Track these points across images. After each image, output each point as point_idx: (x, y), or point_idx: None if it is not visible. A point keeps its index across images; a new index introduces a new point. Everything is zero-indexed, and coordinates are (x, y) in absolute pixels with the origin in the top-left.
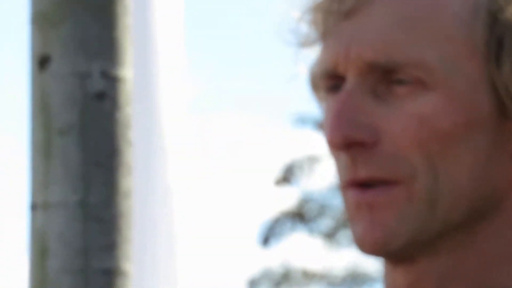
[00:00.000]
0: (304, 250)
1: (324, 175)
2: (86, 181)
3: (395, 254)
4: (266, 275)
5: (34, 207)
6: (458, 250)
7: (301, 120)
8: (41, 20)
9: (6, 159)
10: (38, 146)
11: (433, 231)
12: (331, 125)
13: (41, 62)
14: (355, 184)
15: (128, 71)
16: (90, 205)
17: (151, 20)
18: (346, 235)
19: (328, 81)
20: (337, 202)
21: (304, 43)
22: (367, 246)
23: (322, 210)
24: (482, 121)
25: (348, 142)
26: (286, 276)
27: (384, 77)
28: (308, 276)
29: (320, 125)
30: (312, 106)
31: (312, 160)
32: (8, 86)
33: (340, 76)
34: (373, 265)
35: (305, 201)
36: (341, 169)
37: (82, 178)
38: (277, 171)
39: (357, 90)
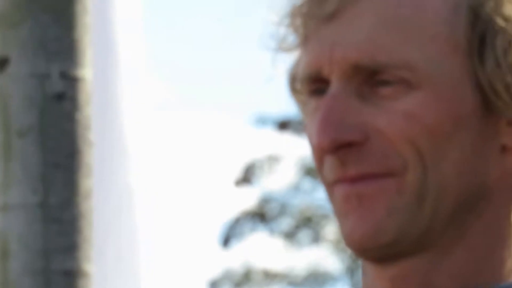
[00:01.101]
0: (265, 250)
1: (284, 174)
2: (46, 182)
3: (383, 250)
4: (227, 276)
5: None
6: (445, 246)
7: (262, 120)
8: (0, 21)
9: None
10: None
11: (421, 226)
12: (319, 129)
13: (0, 64)
14: (343, 181)
15: (88, 71)
16: (50, 207)
17: (110, 20)
18: (306, 234)
19: (311, 85)
20: (297, 201)
21: (284, 48)
22: (356, 241)
23: (282, 209)
24: (467, 117)
25: (337, 145)
26: (247, 276)
27: (368, 78)
28: (269, 276)
29: (303, 128)
30: (273, 106)
31: (272, 159)
32: None
33: (324, 80)
34: (334, 264)
35: (265, 201)
36: (327, 170)
37: (42, 179)
38: (237, 171)
39: (342, 92)
